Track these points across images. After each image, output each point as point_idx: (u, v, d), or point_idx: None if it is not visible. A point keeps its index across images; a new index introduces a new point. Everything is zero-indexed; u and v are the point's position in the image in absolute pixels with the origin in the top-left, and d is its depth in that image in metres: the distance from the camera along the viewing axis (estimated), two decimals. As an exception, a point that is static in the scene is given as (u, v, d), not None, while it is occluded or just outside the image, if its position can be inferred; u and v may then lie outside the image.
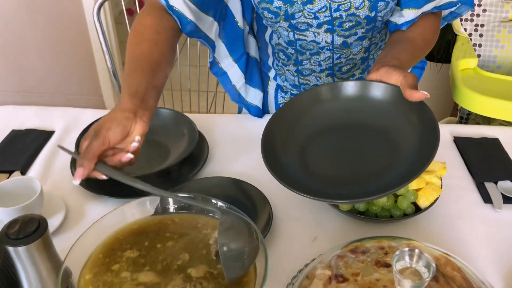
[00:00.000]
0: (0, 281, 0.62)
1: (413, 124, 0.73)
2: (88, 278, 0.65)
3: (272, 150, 0.75)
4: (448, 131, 1.11)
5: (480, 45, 1.57)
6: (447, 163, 0.91)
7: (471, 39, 1.57)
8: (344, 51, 1.00)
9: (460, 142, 1.06)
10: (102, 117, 0.72)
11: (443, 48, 2.09)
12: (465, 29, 1.59)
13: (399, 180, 0.66)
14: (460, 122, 1.58)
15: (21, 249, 0.58)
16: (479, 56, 1.59)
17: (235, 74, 1.10)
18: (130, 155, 0.69)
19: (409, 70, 1.08)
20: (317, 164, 0.75)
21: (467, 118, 1.55)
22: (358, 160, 0.75)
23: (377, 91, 0.77)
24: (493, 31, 1.55)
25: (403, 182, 0.66)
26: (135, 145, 0.70)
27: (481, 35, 1.56)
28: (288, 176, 0.72)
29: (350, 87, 0.80)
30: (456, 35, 1.64)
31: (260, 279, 0.64)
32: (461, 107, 1.53)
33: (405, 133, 0.74)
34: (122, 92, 0.75)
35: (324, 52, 1.00)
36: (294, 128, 0.80)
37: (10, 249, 0.58)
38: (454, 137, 1.08)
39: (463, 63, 1.51)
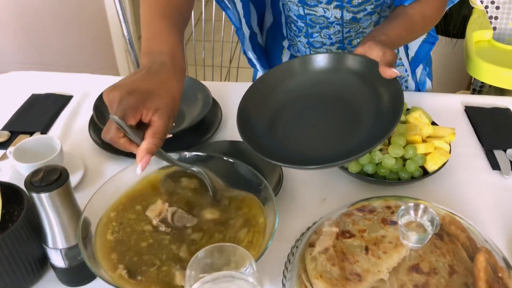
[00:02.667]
0: (25, 227, 0.66)
1: (381, 96, 0.76)
2: (112, 216, 0.70)
3: (247, 119, 0.78)
4: (459, 100, 1.11)
5: (496, 18, 1.56)
6: (457, 132, 0.92)
7: (487, 12, 1.56)
8: (354, 25, 1.01)
9: (471, 112, 1.07)
10: (147, 76, 0.68)
11: (458, 23, 2.07)
12: (481, 1, 1.57)
13: (362, 147, 0.69)
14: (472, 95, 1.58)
15: (44, 196, 0.62)
16: (494, 29, 1.57)
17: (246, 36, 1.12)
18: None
19: (416, 45, 1.09)
20: (286, 133, 0.78)
21: (480, 90, 1.55)
22: (326, 128, 0.78)
23: (350, 63, 0.80)
24: (510, 3, 1.53)
25: (365, 148, 0.68)
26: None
27: (497, 8, 1.55)
28: (260, 143, 0.75)
29: (322, 60, 0.82)
30: (472, 9, 1.63)
31: (269, 232, 0.67)
32: (474, 79, 1.52)
33: (372, 103, 0.77)
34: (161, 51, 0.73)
35: (334, 27, 1.01)
36: (267, 99, 0.82)
37: (34, 195, 0.62)
38: (465, 106, 1.09)
39: (478, 34, 1.50)
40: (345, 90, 0.80)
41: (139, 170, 0.64)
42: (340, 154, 0.69)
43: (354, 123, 0.76)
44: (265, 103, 0.81)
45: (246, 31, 1.09)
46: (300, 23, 1.05)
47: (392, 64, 0.74)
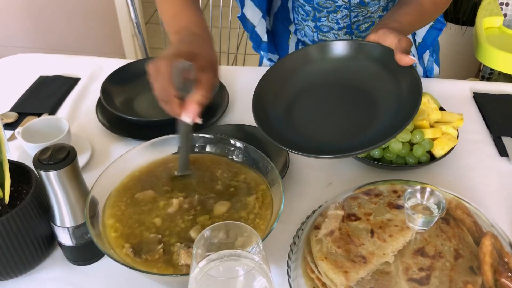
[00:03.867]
0: (33, 205, 0.66)
1: (398, 84, 0.74)
2: (120, 195, 0.72)
3: (262, 105, 0.76)
4: (468, 87, 1.11)
5: (507, 4, 1.54)
6: (465, 118, 0.91)
7: (498, -2, 1.54)
8: (361, 9, 1.00)
9: (479, 98, 1.06)
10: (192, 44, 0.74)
11: (468, 11, 2.05)
12: (492, -13, 1.55)
13: (379, 137, 0.67)
14: (481, 82, 1.57)
15: (52, 174, 0.62)
16: (505, 15, 1.55)
17: (263, 26, 1.12)
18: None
19: (424, 31, 1.08)
20: (302, 121, 0.77)
21: (489, 78, 1.54)
22: (342, 117, 0.76)
23: (368, 51, 0.78)
24: (521, -11, 1.52)
25: (383, 139, 0.66)
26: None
27: (509, -6, 1.53)
28: (275, 130, 0.74)
29: (339, 47, 0.80)
30: (482, -5, 1.61)
31: (274, 214, 0.67)
32: (483, 66, 1.51)
33: (389, 91, 0.75)
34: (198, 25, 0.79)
35: (341, 11, 1.00)
36: (283, 86, 0.80)
37: (42, 173, 0.62)
38: (474, 92, 1.08)
39: (488, 21, 1.48)
40: (362, 78, 0.78)
41: (188, 118, 0.68)
42: (356, 144, 0.68)
43: (371, 112, 0.74)
44: (281, 90, 0.80)
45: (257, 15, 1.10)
46: (307, 7, 1.04)
47: (408, 51, 0.72)
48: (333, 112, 0.77)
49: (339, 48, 0.80)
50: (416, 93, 0.70)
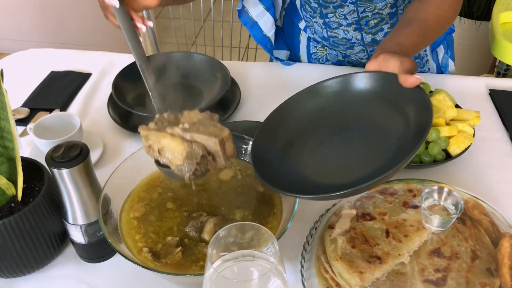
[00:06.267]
0: (45, 203, 0.66)
1: (404, 112, 0.67)
2: (138, 196, 0.72)
3: (261, 154, 0.70)
4: (483, 83, 1.09)
5: (523, -1, 1.51)
6: (481, 116, 0.89)
7: (514, -8, 1.51)
8: (368, 4, 0.98)
9: (496, 95, 1.04)
10: None
11: (483, 5, 2.02)
12: (509, -18, 1.52)
13: (386, 168, 0.58)
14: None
15: (64, 171, 0.62)
16: (522, 10, 1.52)
17: (267, 22, 1.10)
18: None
19: (419, 52, 1.04)
20: (303, 162, 0.70)
21: (505, 74, 1.51)
22: (345, 154, 0.69)
23: (363, 82, 0.72)
24: (538, -17, 1.48)
25: (390, 168, 0.57)
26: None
27: (525, -12, 1.50)
28: (276, 176, 0.66)
29: (332, 85, 0.74)
30: (498, -11, 1.58)
31: (288, 214, 0.66)
32: (499, 62, 1.49)
33: (395, 121, 0.68)
34: None
35: (348, 6, 0.99)
36: (281, 131, 0.74)
37: (55, 171, 0.62)
38: (490, 89, 1.06)
39: (505, 16, 1.46)
40: (361, 112, 0.72)
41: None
42: (362, 179, 0.59)
43: (376, 145, 0.67)
44: (279, 136, 0.73)
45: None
46: (313, 3, 1.03)
47: (413, 71, 0.66)
48: (334, 150, 0.70)
49: (332, 86, 0.74)
50: (426, 113, 0.62)
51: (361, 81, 0.72)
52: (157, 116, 0.64)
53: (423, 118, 0.62)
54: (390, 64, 0.68)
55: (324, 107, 0.74)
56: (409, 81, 0.64)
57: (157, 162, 0.62)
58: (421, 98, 0.64)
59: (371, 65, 0.70)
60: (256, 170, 0.66)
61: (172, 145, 0.59)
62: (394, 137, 0.66)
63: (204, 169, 0.60)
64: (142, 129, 0.61)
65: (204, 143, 0.60)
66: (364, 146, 0.68)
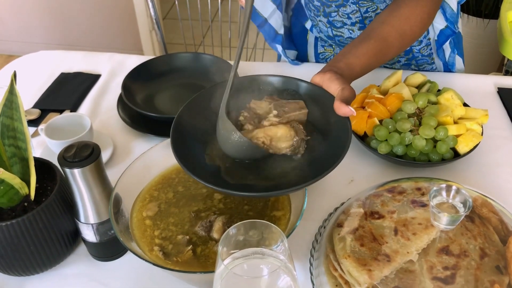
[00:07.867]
0: (58, 202, 0.67)
1: (328, 130, 0.69)
2: (150, 194, 0.74)
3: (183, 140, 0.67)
4: (492, 82, 1.09)
5: (532, -3, 1.51)
6: (490, 114, 0.89)
7: (522, -10, 1.51)
8: (370, 4, 0.98)
9: (504, 93, 1.04)
10: None
11: (491, 3, 2.01)
12: (517, -20, 1.52)
13: (304, 179, 0.60)
14: (505, 78, 1.53)
15: (76, 171, 0.63)
16: (530, 8, 1.52)
17: (278, 20, 1.11)
18: None
19: (429, 29, 1.03)
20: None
21: (513, 72, 1.51)
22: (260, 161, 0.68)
23: (302, 90, 0.72)
24: (547, -19, 1.48)
25: (307, 181, 0.59)
26: None
27: (534, -14, 1.49)
28: (194, 164, 0.64)
29: (274, 82, 0.73)
30: (506, -13, 1.57)
31: (297, 212, 0.67)
32: (507, 61, 1.48)
33: (314, 139, 0.69)
34: None
35: (350, 5, 0.99)
36: (204, 120, 0.71)
37: (67, 171, 0.63)
38: (498, 88, 1.06)
39: (513, 14, 1.45)
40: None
41: None
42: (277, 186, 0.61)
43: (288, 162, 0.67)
44: (201, 124, 0.70)
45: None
46: (316, 2, 1.03)
47: (349, 101, 0.67)
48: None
49: (273, 83, 0.73)
50: (343, 143, 0.63)
51: (301, 89, 0.73)
52: (241, 118, 0.68)
53: (339, 147, 0.63)
54: (332, 86, 0.69)
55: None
56: (342, 110, 0.66)
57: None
58: (345, 128, 0.66)
59: (317, 79, 0.72)
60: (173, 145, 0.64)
61: (280, 132, 0.66)
62: (309, 156, 0.67)
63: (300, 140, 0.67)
64: (247, 136, 0.65)
65: (297, 118, 0.69)
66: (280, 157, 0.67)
